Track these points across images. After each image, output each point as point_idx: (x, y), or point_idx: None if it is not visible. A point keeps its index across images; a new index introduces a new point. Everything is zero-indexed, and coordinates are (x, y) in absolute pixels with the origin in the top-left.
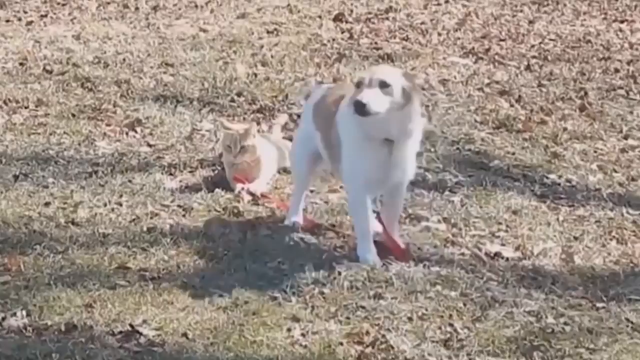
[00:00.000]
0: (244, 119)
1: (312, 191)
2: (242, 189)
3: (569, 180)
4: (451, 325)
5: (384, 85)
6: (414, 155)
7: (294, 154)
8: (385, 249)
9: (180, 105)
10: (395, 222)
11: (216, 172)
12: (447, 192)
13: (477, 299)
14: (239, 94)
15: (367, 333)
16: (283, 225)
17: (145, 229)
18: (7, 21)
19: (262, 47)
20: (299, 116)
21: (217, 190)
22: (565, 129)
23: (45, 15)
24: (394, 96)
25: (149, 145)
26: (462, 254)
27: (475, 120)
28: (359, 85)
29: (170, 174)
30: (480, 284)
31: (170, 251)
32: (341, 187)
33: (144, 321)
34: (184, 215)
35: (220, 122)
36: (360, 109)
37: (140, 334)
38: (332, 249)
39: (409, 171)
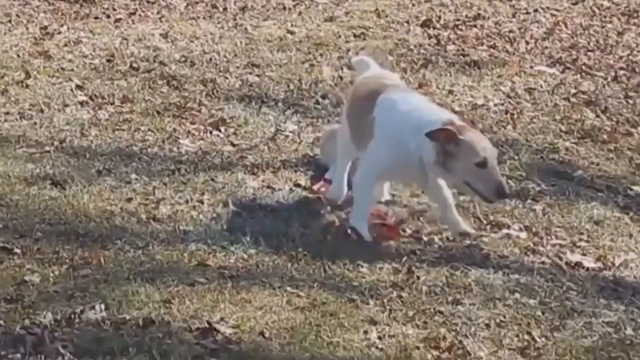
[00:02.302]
0: (328, 121)
1: (393, 195)
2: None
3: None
4: (529, 333)
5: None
6: None
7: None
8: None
9: (264, 106)
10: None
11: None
12: (529, 201)
13: (555, 308)
14: (323, 97)
15: (444, 338)
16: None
17: (225, 227)
18: (96, 18)
19: (348, 50)
20: None
21: (297, 190)
22: None
23: (134, 13)
24: None
25: (233, 145)
26: (543, 262)
27: (560, 130)
28: (482, 165)
29: (253, 174)
30: (559, 293)
31: (250, 250)
32: (422, 191)
33: (222, 319)
34: (264, 215)
35: None
36: (505, 196)
37: (217, 331)
38: (412, 253)
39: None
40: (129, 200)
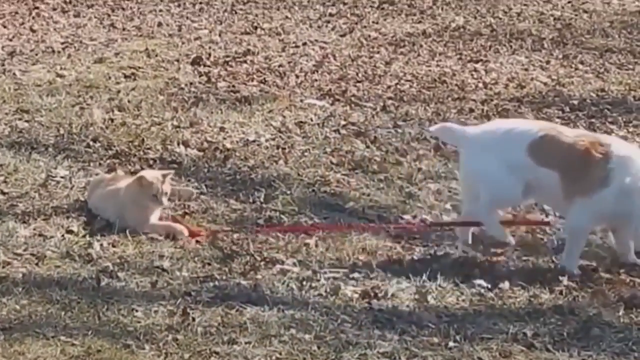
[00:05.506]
0: (100, 165)
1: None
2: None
3: (423, 221)
4: None
5: None
6: None
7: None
8: None
9: (35, 152)
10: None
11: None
12: (302, 235)
13: (331, 341)
14: (94, 140)
15: None
16: (137, 270)
17: None
18: None
19: (119, 91)
20: (154, 161)
21: (69, 237)
22: (420, 169)
23: None
24: None
25: (3, 193)
26: (318, 296)
27: (331, 162)
28: None
29: (24, 222)
30: (334, 327)
31: (22, 300)
32: None
33: None
34: (37, 264)
35: (141, 177)
36: None
37: None
38: (186, 294)
39: None
40: None
